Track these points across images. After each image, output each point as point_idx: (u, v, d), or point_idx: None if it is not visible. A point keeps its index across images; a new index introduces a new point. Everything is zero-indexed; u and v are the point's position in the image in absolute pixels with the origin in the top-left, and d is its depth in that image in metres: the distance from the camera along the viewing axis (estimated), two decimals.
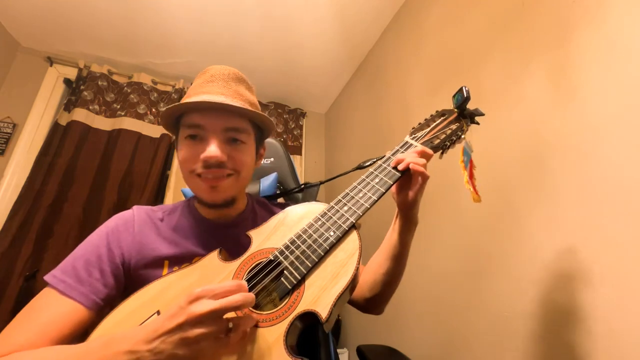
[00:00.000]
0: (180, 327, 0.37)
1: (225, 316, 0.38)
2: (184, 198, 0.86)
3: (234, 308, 0.38)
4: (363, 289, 0.66)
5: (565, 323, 0.70)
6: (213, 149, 0.55)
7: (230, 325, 0.39)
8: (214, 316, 0.37)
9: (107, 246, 0.56)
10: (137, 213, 0.63)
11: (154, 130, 1.92)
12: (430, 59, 1.35)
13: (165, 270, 0.57)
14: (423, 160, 0.55)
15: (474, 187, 0.61)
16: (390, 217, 0.65)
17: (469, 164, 0.62)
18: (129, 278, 0.57)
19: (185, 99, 0.60)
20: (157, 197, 1.80)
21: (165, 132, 1.88)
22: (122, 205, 1.72)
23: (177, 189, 1.82)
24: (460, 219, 1.04)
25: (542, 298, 0.75)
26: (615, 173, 0.65)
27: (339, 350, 1.68)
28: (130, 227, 0.60)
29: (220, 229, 0.64)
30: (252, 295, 0.40)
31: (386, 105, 1.65)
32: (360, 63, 2.02)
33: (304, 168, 2.37)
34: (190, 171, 0.58)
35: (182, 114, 0.60)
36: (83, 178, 1.70)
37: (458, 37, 1.19)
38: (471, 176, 0.62)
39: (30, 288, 1.45)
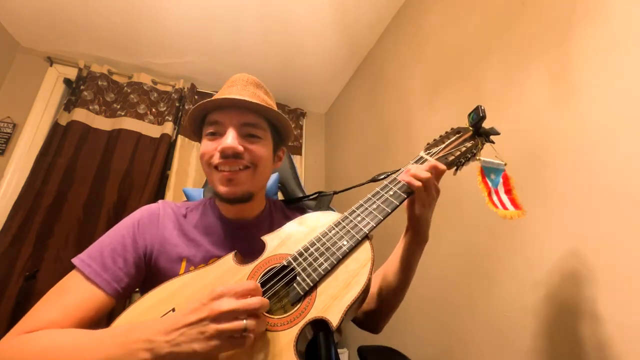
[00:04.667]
0: (201, 321, 0.38)
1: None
2: (185, 198, 0.85)
3: (253, 310, 0.40)
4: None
5: (568, 323, 0.70)
6: (229, 140, 0.58)
7: (245, 326, 0.40)
8: (234, 315, 0.39)
9: (132, 237, 0.58)
10: (162, 207, 0.65)
11: (154, 130, 1.92)
12: (430, 59, 1.35)
13: (183, 267, 0.59)
14: (425, 175, 0.55)
15: (510, 202, 0.59)
16: (399, 231, 0.65)
17: (502, 179, 0.61)
18: (148, 270, 0.59)
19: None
20: (157, 198, 1.79)
21: (165, 132, 1.89)
22: (122, 205, 1.72)
23: (177, 189, 1.82)
24: (461, 219, 1.04)
25: (544, 298, 0.75)
26: (616, 172, 0.65)
27: (339, 350, 1.68)
28: (155, 220, 0.62)
29: (238, 228, 0.65)
30: (267, 300, 0.42)
31: (386, 105, 1.65)
32: (360, 63, 2.02)
33: (304, 168, 2.37)
34: (209, 164, 0.61)
35: (204, 117, 0.64)
36: (83, 178, 1.70)
37: (458, 36, 1.19)
38: (508, 192, 0.61)
39: (30, 288, 1.45)
